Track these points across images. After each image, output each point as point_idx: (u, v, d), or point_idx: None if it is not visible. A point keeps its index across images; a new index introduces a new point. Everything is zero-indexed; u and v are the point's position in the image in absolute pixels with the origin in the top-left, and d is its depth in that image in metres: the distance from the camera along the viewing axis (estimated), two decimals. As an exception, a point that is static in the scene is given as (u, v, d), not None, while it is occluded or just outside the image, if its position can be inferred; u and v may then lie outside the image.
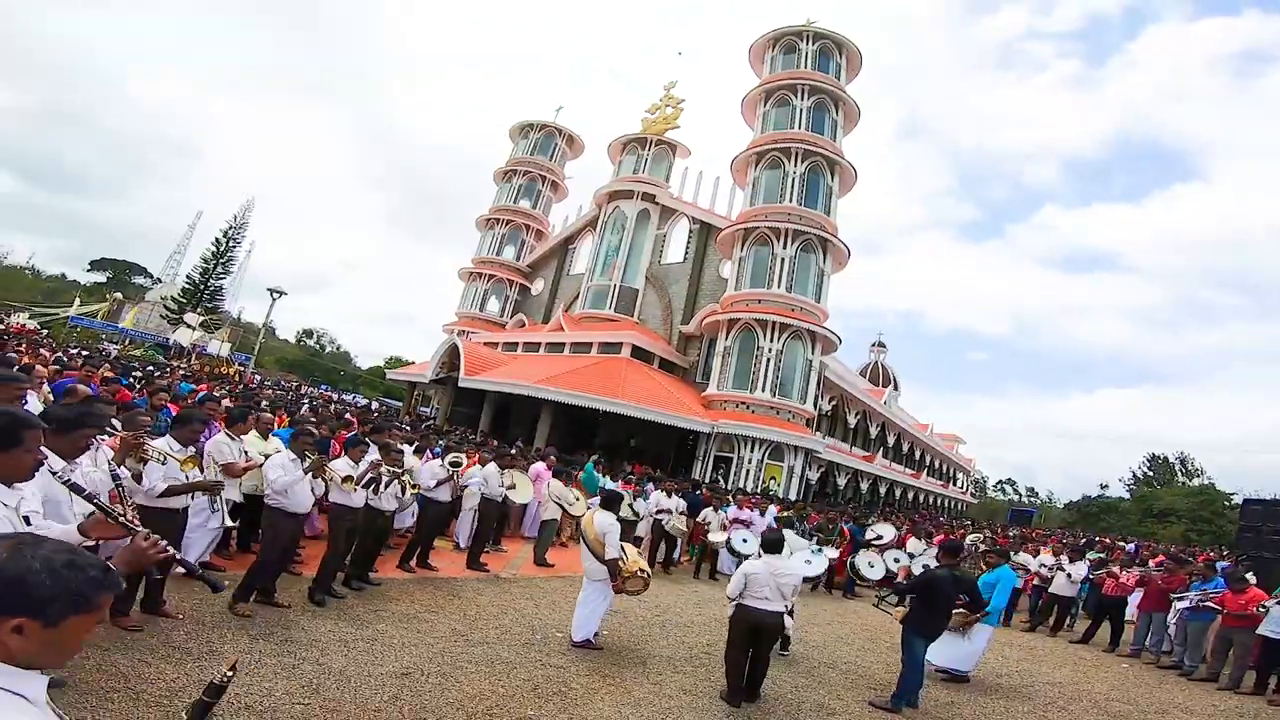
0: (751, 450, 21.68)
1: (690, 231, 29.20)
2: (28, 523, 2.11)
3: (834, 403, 28.25)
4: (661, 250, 30.03)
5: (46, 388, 6.57)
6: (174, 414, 5.93)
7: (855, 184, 25.80)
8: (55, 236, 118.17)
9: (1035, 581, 10.51)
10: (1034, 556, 11.09)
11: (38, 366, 6.95)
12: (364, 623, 5.33)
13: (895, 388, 54.56)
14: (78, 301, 37.27)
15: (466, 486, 8.03)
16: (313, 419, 9.70)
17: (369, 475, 6.03)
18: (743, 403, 22.58)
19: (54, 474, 2.41)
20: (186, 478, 4.26)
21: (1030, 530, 28.48)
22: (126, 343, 36.24)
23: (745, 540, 7.48)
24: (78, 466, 3.14)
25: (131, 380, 12.06)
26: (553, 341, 28.78)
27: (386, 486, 6.45)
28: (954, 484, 52.86)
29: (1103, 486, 70.16)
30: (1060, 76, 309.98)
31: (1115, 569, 9.73)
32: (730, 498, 13.49)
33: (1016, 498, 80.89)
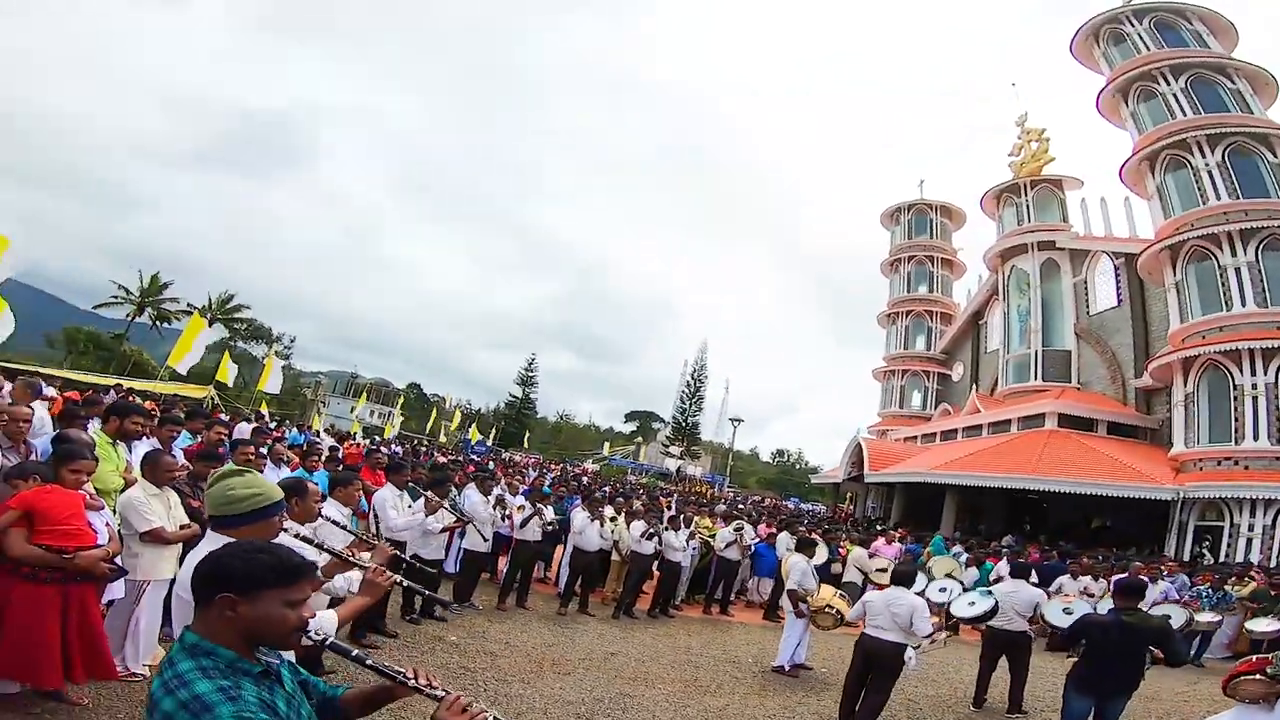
0: (1251, 514, 15.92)
1: (1116, 269, 24.20)
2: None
3: None
4: (1087, 299, 25.49)
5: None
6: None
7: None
8: (605, 398, 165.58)
9: None
10: None
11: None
12: (569, 622, 7.84)
13: None
14: (607, 445, 53.44)
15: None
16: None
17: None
18: (1226, 458, 16.96)
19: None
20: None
21: None
22: (642, 474, 49.11)
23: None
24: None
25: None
26: (970, 425, 26.92)
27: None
28: None
29: None
30: None
31: None
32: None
33: None
